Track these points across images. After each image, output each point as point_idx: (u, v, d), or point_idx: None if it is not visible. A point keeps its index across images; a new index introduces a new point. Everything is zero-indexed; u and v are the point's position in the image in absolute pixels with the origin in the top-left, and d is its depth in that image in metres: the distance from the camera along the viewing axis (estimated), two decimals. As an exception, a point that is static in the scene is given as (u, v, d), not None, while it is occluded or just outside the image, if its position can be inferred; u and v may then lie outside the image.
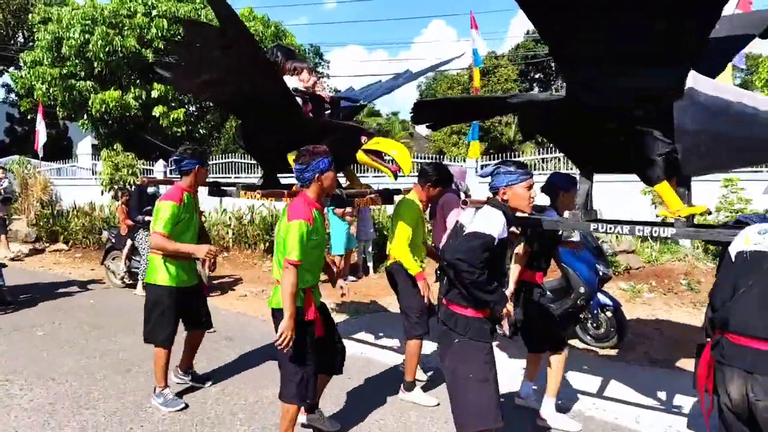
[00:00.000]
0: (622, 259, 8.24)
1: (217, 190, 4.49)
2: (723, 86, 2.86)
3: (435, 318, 3.14)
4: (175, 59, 3.89)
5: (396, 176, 4.04)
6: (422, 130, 29.87)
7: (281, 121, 3.81)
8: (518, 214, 2.93)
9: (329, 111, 4.27)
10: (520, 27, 59.90)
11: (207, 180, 4.17)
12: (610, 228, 3.05)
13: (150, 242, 3.90)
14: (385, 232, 9.09)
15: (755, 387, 2.16)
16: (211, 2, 2.96)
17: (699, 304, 7.04)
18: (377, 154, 3.90)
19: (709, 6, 2.10)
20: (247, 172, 14.18)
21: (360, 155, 3.89)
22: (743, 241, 2.37)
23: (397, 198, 4.38)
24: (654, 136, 2.72)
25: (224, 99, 4.10)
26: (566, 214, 3.51)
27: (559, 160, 12.80)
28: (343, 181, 4.40)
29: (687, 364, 4.93)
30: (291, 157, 3.78)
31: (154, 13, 14.56)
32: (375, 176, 10.86)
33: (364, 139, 3.90)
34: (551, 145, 20.95)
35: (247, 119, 4.17)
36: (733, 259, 2.37)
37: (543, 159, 13.57)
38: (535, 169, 12.38)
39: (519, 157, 13.28)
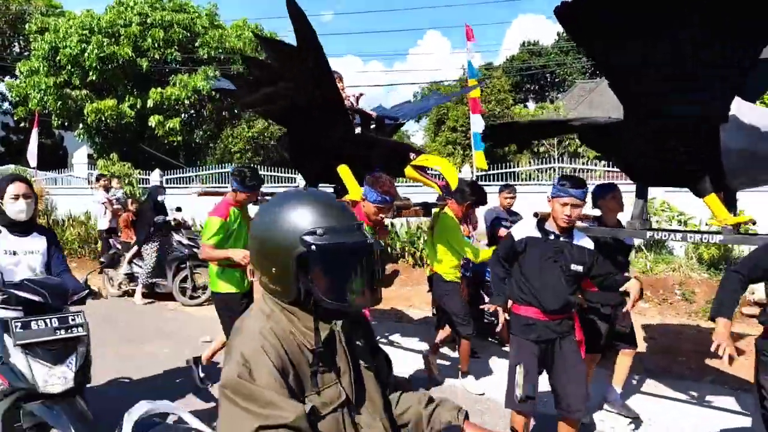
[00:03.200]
0: (617, 269, 8.28)
1: (260, 200, 4.66)
2: (763, 111, 3.26)
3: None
4: (240, 74, 4.14)
5: (442, 190, 4.23)
6: (416, 140, 29.99)
7: (337, 134, 4.04)
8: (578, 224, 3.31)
9: (374, 127, 4.48)
10: (514, 39, 60.40)
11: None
12: (665, 235, 3.51)
13: (200, 253, 4.24)
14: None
15: None
16: (293, 18, 3.10)
17: (693, 314, 7.08)
18: (424, 170, 4.12)
19: (750, 47, 2.44)
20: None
21: (408, 170, 4.10)
22: None
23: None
24: (702, 154, 3.04)
25: (280, 112, 4.26)
26: (624, 223, 3.75)
27: (555, 170, 12.88)
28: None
29: (680, 372, 4.96)
30: (342, 169, 4.06)
31: (149, 21, 14.63)
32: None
33: (412, 155, 4.12)
34: (546, 156, 21.09)
35: (300, 132, 4.29)
36: None
37: (538, 170, 13.65)
38: (530, 180, 12.47)
39: (515, 167, 13.35)
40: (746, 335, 6.13)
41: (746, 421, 3.93)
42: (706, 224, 3.77)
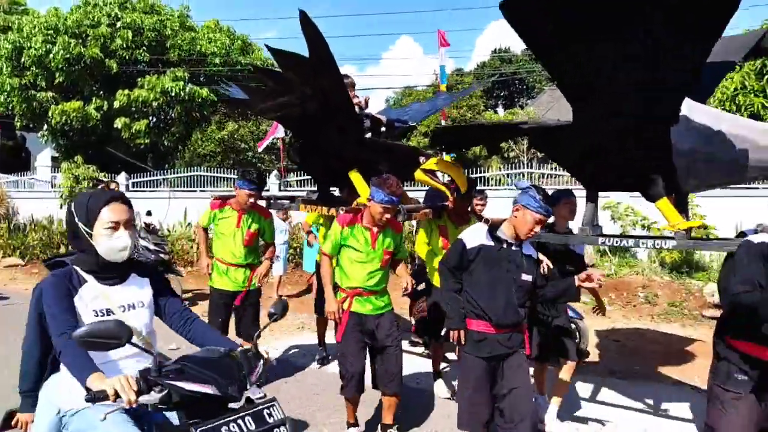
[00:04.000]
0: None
1: (274, 203, 4.88)
2: (714, 112, 3.21)
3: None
4: (253, 83, 4.19)
5: (453, 193, 4.30)
6: (390, 144, 30.02)
7: (348, 140, 4.11)
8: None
9: (384, 131, 4.55)
10: (486, 46, 61.15)
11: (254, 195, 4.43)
12: (617, 241, 3.34)
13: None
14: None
15: None
16: (306, 32, 3.15)
17: (656, 316, 7.27)
18: (434, 173, 4.18)
19: (700, 46, 2.34)
20: (214, 185, 14.03)
21: (418, 174, 4.15)
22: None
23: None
24: (654, 157, 2.98)
25: (292, 119, 4.37)
26: (576, 230, 3.70)
27: (524, 175, 13.07)
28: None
29: (644, 374, 5.09)
30: (354, 174, 4.13)
31: (119, 24, 14.38)
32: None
33: (422, 159, 4.18)
34: (516, 161, 21.38)
35: (312, 138, 4.37)
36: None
37: (507, 174, 13.83)
38: (499, 185, 12.61)
39: (485, 172, 13.49)
40: (695, 340, 6.31)
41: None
42: (659, 229, 3.73)
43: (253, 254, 4.52)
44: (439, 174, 4.40)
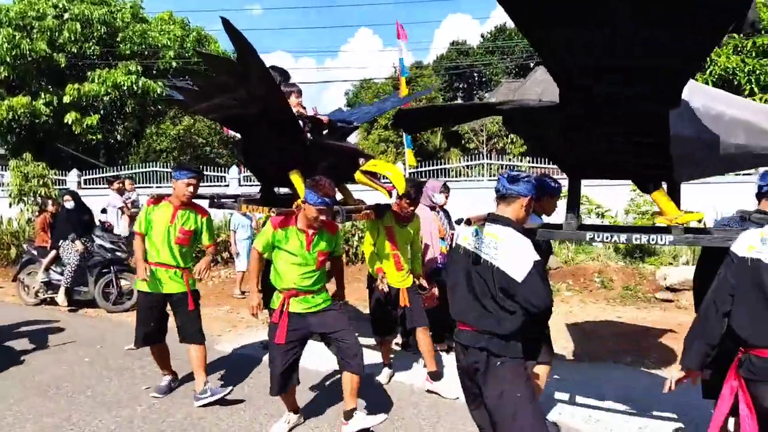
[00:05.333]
0: (543, 261, 8.66)
1: (217, 202, 4.68)
2: (717, 94, 2.96)
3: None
4: (188, 84, 4.04)
5: (391, 195, 4.37)
6: (350, 138, 29.93)
7: (286, 142, 4.05)
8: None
9: (326, 132, 4.50)
10: (444, 38, 61.54)
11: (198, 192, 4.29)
12: (607, 237, 2.99)
13: None
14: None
15: None
16: (232, 39, 3.12)
17: (611, 300, 7.52)
18: (373, 175, 4.18)
19: (707, 23, 2.04)
20: (171, 182, 13.71)
21: (358, 175, 4.16)
22: (746, 249, 2.33)
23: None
24: (651, 143, 2.72)
25: (232, 119, 4.32)
26: (546, 220, 3.58)
27: (484, 167, 13.27)
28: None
29: (601, 355, 5.27)
30: (294, 175, 4.09)
31: (66, 15, 13.86)
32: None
33: (362, 160, 4.18)
34: (475, 152, 21.63)
35: (252, 138, 4.31)
36: (735, 264, 2.36)
37: (468, 166, 14.01)
38: (460, 176, 12.78)
39: (446, 164, 13.63)
40: (649, 321, 6.58)
41: (663, 397, 4.22)
42: (652, 221, 3.19)
43: (186, 257, 4.20)
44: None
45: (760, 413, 2.24)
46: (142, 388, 4.47)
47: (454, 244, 2.92)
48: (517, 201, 2.67)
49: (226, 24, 3.06)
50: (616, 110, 2.62)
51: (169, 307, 4.28)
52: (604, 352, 5.41)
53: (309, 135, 4.26)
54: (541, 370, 3.65)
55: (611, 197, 9.34)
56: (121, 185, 9.15)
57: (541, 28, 2.24)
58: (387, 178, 4.22)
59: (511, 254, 2.54)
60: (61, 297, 7.20)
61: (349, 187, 4.63)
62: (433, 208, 5.18)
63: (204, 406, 4.04)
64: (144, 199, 4.89)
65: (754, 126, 2.68)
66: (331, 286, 3.87)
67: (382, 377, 4.63)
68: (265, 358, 5.25)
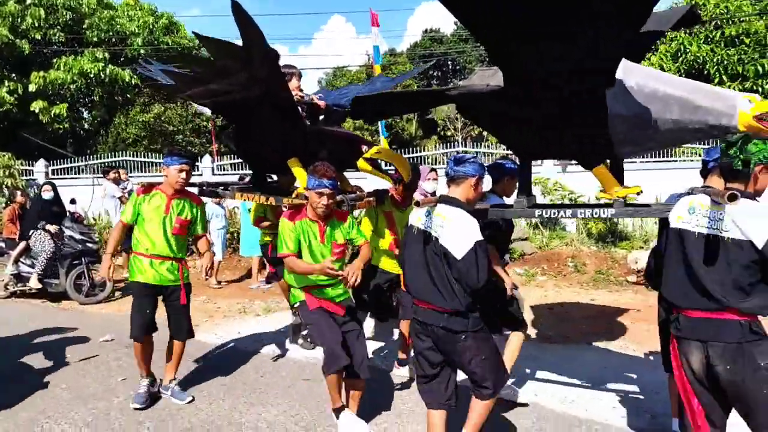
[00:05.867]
0: (517, 246, 8.79)
1: (207, 190, 4.55)
2: (653, 73, 3.09)
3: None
4: (177, 67, 3.80)
5: (395, 183, 4.28)
6: (324, 126, 29.74)
7: (287, 128, 3.91)
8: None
9: (323, 118, 4.40)
10: (417, 26, 61.37)
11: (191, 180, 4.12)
12: (554, 212, 3.24)
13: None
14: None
15: (711, 354, 2.30)
16: (238, 19, 2.98)
17: (585, 284, 7.68)
18: (376, 163, 4.08)
19: (639, 9, 2.22)
20: (141, 170, 13.46)
21: (361, 163, 4.03)
22: (675, 219, 2.48)
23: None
24: (589, 122, 2.86)
25: (228, 106, 4.06)
26: (511, 201, 3.59)
27: (459, 154, 13.35)
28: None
29: (575, 337, 5.39)
30: (293, 163, 3.97)
31: (29, 1, 13.42)
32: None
33: (364, 148, 4.07)
34: (451, 140, 21.72)
35: (248, 126, 4.15)
36: (669, 237, 2.52)
37: (444, 153, 14.06)
38: (437, 164, 12.81)
39: (422, 152, 13.66)
40: (621, 304, 6.74)
41: (634, 375, 4.35)
42: (596, 198, 3.39)
43: (182, 248, 4.05)
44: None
45: (688, 369, 2.41)
46: (117, 379, 4.42)
47: (408, 225, 3.05)
48: (466, 181, 2.85)
49: (235, 5, 2.93)
50: (554, 91, 2.77)
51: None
52: (577, 334, 5.53)
53: (306, 121, 4.16)
54: (515, 337, 3.87)
55: (586, 183, 9.50)
56: (116, 175, 8.98)
57: (476, 14, 2.36)
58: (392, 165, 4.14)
59: (454, 232, 2.71)
60: (33, 281, 7.05)
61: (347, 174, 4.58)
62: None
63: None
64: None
65: (689, 102, 2.78)
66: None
67: (383, 364, 4.65)
68: (244, 347, 5.25)
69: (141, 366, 4.00)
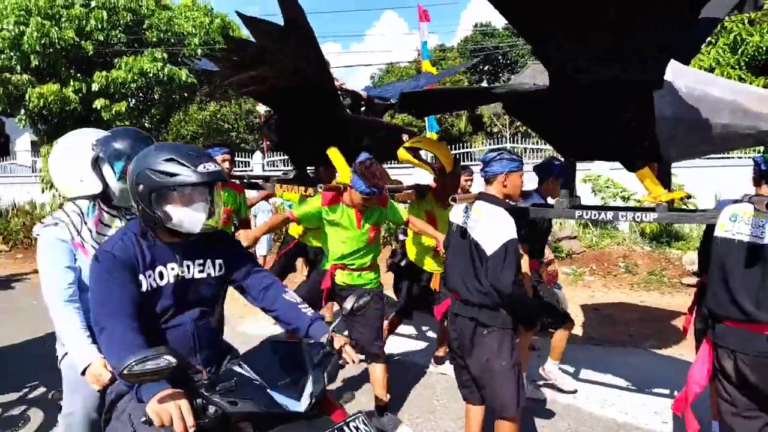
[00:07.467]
0: (565, 245, 8.59)
1: (248, 183, 4.65)
2: (703, 76, 3.04)
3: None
4: (225, 54, 3.84)
5: (436, 172, 4.18)
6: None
7: (328, 118, 3.90)
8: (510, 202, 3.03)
9: (364, 108, 4.40)
10: (469, 20, 60.67)
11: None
12: (595, 214, 3.16)
13: None
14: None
15: (740, 364, 2.35)
16: (281, 2, 2.97)
17: (636, 285, 7.43)
18: (417, 152, 4.04)
19: (688, 8, 2.18)
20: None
21: (401, 153, 3.97)
22: (719, 228, 2.46)
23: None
24: (635, 124, 2.84)
25: (271, 94, 4.06)
26: (551, 201, 3.62)
27: (509, 152, 13.14)
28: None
29: (621, 340, 5.23)
30: (332, 152, 3.95)
31: (93, 4, 14.09)
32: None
33: (405, 137, 4.05)
34: (499, 136, 21.41)
35: (290, 113, 4.16)
36: (713, 245, 2.50)
37: (491, 150, 13.89)
38: (483, 160, 12.68)
39: (470, 148, 13.54)
40: (672, 307, 6.48)
41: (682, 381, 4.18)
42: (639, 201, 3.29)
43: None
44: (423, 153, 4.31)
45: (722, 374, 2.46)
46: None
47: (449, 222, 3.09)
48: (496, 179, 2.89)
49: None
50: (602, 92, 2.75)
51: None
52: (623, 336, 5.37)
53: (348, 110, 4.14)
54: (558, 334, 3.98)
55: (637, 181, 9.18)
56: None
57: (525, 13, 2.35)
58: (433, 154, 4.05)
59: (488, 227, 2.73)
60: None
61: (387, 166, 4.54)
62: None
63: None
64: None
65: (738, 106, 2.71)
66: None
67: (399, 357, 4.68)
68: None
69: None
